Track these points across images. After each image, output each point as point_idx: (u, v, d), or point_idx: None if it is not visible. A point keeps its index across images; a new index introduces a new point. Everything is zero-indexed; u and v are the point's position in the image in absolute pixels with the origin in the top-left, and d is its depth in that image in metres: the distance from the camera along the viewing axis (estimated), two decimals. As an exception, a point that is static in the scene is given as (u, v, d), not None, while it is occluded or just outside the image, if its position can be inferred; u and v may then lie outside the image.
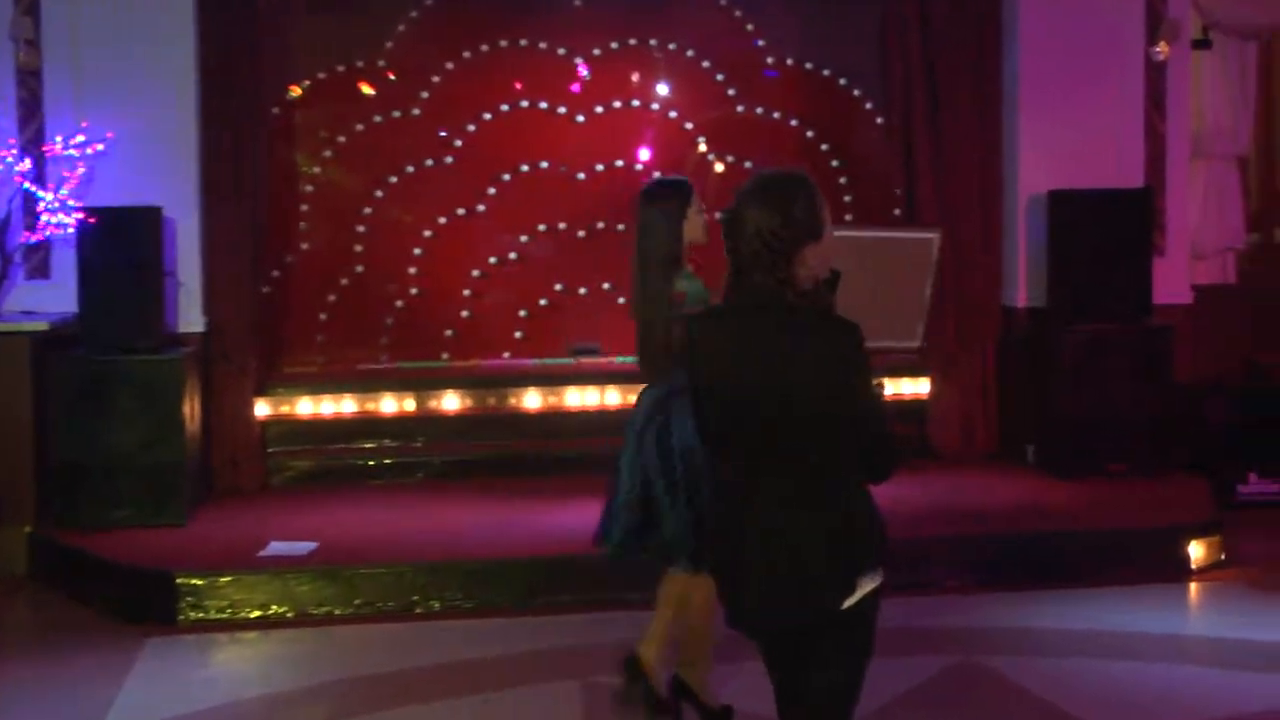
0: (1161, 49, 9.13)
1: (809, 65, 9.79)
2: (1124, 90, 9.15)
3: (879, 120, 9.48)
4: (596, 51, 9.74)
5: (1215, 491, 8.27)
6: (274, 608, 6.81)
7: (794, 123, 9.78)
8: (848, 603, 3.52)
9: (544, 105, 9.70)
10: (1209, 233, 9.81)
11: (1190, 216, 9.57)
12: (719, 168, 9.84)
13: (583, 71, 9.75)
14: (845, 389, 3.51)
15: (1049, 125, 9.02)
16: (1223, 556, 7.56)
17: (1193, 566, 7.40)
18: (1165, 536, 7.45)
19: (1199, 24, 9.54)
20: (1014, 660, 6.11)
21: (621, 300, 9.78)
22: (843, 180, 9.66)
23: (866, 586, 3.56)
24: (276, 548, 7.16)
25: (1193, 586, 7.28)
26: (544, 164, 9.71)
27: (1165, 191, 9.29)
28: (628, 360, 9.50)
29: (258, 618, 6.77)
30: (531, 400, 8.98)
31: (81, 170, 8.11)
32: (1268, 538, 8.08)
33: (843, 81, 9.75)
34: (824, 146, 9.75)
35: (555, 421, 8.90)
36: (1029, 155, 9.04)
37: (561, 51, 9.71)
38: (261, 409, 8.69)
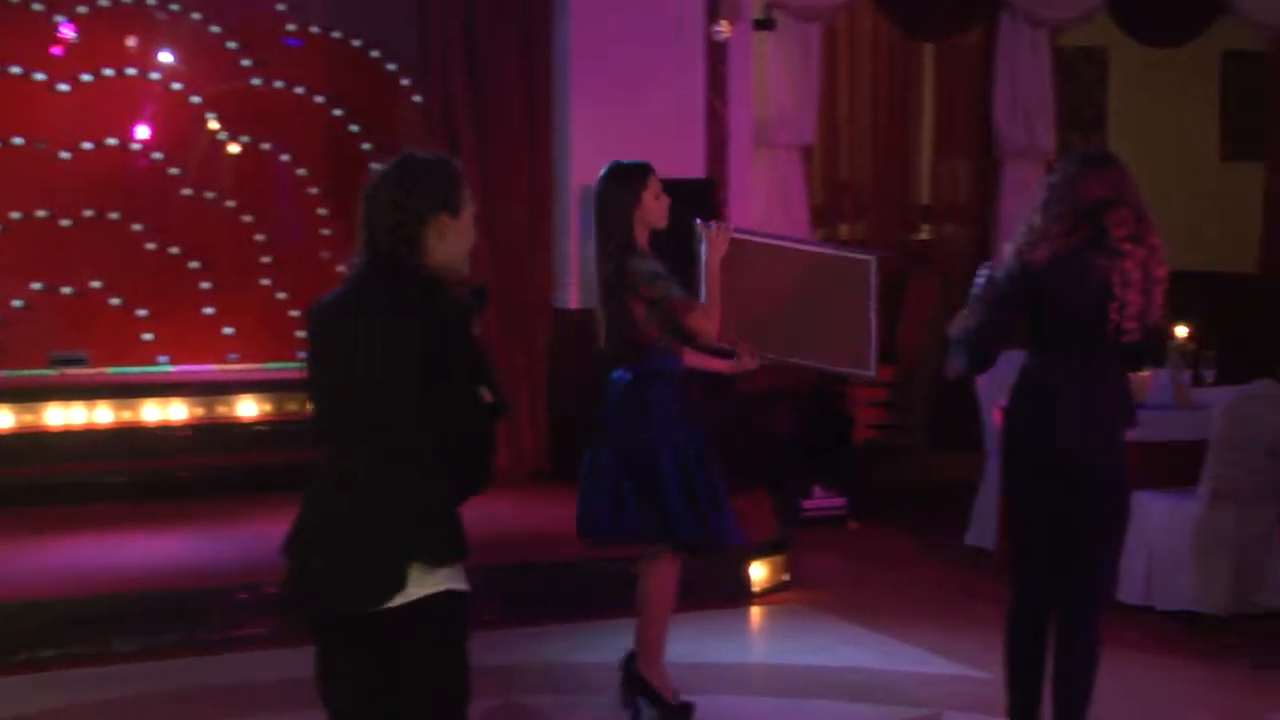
0: (723, 28, 9.51)
1: (337, 34, 9.77)
2: (683, 72, 9.50)
3: (417, 99, 9.55)
4: (83, 9, 9.42)
5: (779, 507, 8.73)
6: None
7: (319, 99, 9.74)
8: (399, 600, 3.60)
9: (17, 70, 9.30)
10: (773, 228, 10.33)
11: (754, 210, 10.07)
12: (233, 149, 9.70)
13: (66, 32, 9.41)
14: (437, 374, 3.60)
15: (603, 108, 9.29)
16: (786, 577, 8.01)
17: (754, 589, 7.81)
18: (728, 557, 7.79)
19: (761, 2, 10.05)
20: (561, 700, 6.28)
21: (115, 301, 9.48)
22: (375, 167, 9.66)
23: (427, 587, 3.63)
24: None
25: (755, 610, 7.69)
26: (17, 140, 9.32)
27: (728, 183, 9.73)
28: (124, 371, 9.21)
29: None
30: (2, 419, 8.59)
31: None
32: (831, 555, 8.62)
33: (375, 54, 9.78)
34: (353, 127, 9.75)
35: (32, 444, 8.53)
36: (582, 142, 9.29)
37: (38, 7, 9.34)
38: None
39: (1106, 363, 5.03)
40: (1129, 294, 4.95)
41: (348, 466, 3.67)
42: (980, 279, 5.14)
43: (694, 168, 9.53)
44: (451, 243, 3.75)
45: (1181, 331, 7.83)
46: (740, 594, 7.75)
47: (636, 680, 5.94)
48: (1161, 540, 7.34)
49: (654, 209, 5.75)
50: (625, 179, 5.90)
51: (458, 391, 3.64)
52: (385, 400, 3.63)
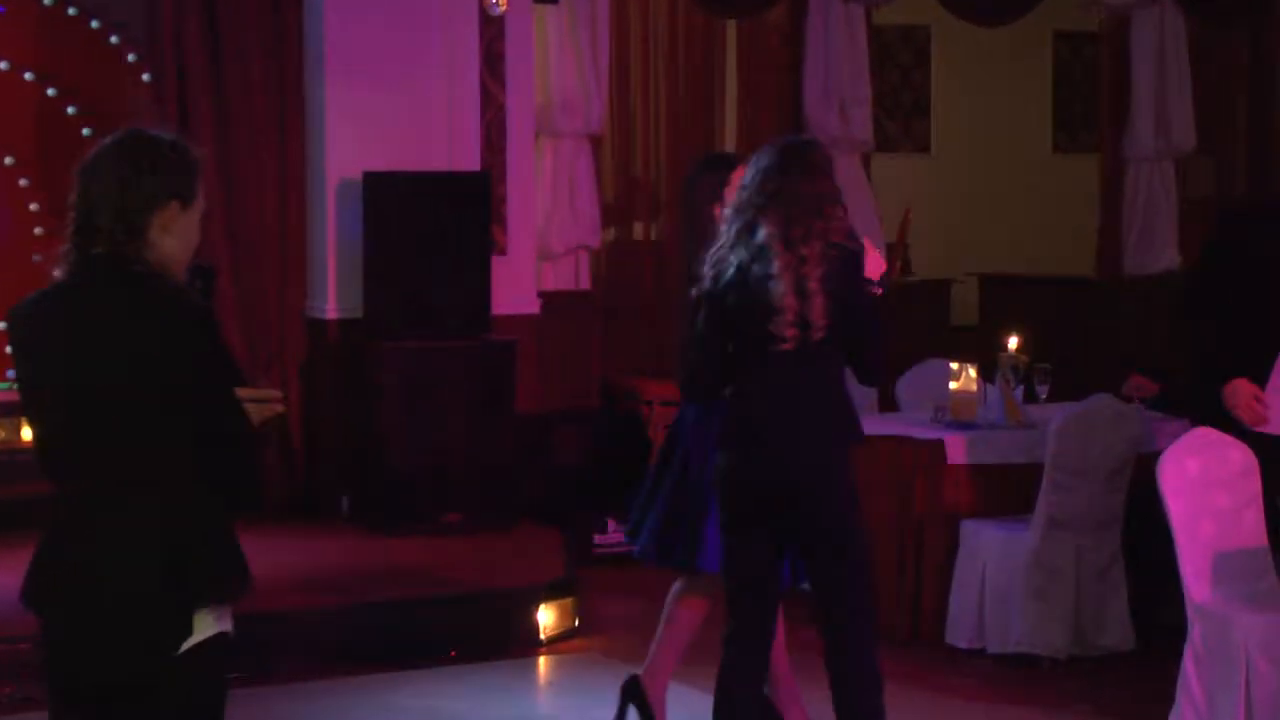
0: (498, 1, 9.54)
1: (49, 0, 9.56)
2: (455, 52, 9.50)
3: (146, 78, 9.38)
4: None
5: (568, 544, 8.75)
6: None
7: (28, 76, 9.50)
8: (185, 645, 3.57)
9: None
10: (559, 228, 10.38)
11: (537, 208, 10.10)
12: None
13: None
14: (184, 380, 3.56)
15: (364, 92, 9.25)
16: (576, 622, 8.03)
17: (542, 636, 7.81)
18: (511, 601, 7.83)
19: (540, -29, 10.10)
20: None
21: None
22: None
23: (201, 630, 3.61)
24: None
25: (542, 661, 7.69)
26: None
27: (506, 176, 9.74)
28: None
29: None
30: None
31: None
32: (627, 596, 8.65)
33: (97, 24, 9.58)
34: (70, 109, 9.52)
35: None
36: (339, 129, 9.24)
37: None
38: None
39: (814, 378, 5.18)
40: (786, 299, 5.12)
41: (96, 497, 3.61)
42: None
43: (468, 159, 9.53)
44: (176, 238, 3.69)
45: (1012, 342, 8.01)
46: (526, 642, 7.75)
47: (635, 687, 6.17)
48: (994, 575, 7.49)
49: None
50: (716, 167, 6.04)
51: (212, 397, 3.60)
52: (128, 415, 3.58)
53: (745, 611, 5.36)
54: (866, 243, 5.41)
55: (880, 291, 5.40)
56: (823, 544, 5.24)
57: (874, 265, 5.41)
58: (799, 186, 5.17)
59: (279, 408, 3.76)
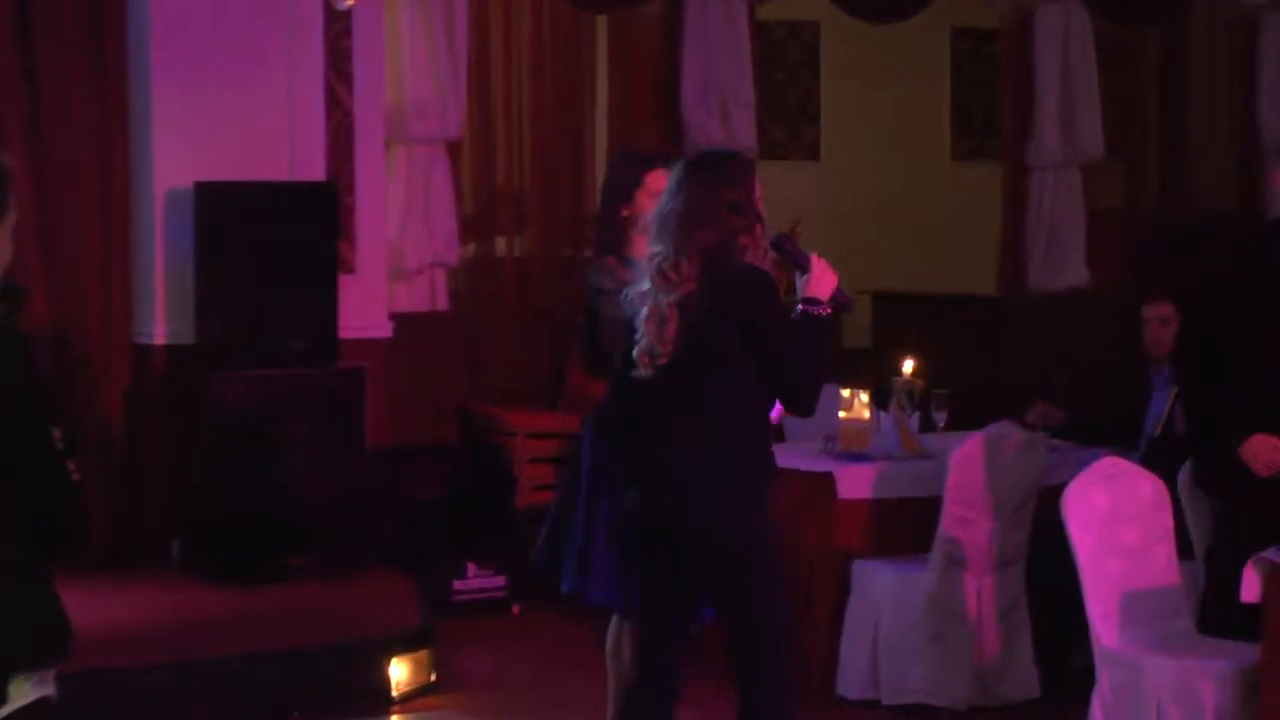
0: (344, -6, 9.53)
1: None
2: (297, 49, 9.44)
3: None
4: None
5: (425, 590, 8.71)
6: None
7: None
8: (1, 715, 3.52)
9: None
10: (413, 243, 10.34)
11: (388, 221, 10.06)
12: None
13: None
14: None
15: (195, 93, 9.18)
16: (433, 677, 7.99)
17: (394, 693, 7.76)
18: (360, 655, 7.78)
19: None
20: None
21: None
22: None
23: (20, 697, 3.57)
24: None
25: (395, 719, 7.68)
26: None
27: (355, 187, 9.69)
28: None
29: None
30: None
31: None
32: (488, 648, 8.63)
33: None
34: None
35: None
36: (167, 135, 9.17)
37: None
38: None
39: (690, 408, 5.22)
40: (646, 325, 5.26)
41: None
42: None
43: (312, 168, 9.48)
44: None
45: (907, 366, 8.08)
46: (376, 700, 7.70)
47: None
48: (888, 620, 7.52)
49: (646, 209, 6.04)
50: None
51: (22, 433, 3.55)
52: None
53: (646, 659, 5.36)
54: (815, 259, 5.45)
55: (828, 312, 5.41)
56: (714, 585, 5.27)
57: (823, 283, 5.43)
58: (686, 203, 5.23)
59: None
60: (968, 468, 7.38)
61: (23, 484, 3.56)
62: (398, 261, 10.22)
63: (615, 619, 6.32)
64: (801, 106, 13.42)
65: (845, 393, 7.94)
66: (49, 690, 3.65)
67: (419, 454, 9.76)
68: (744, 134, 11.37)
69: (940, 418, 8.13)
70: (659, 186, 5.92)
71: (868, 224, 13.02)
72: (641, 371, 5.23)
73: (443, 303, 10.58)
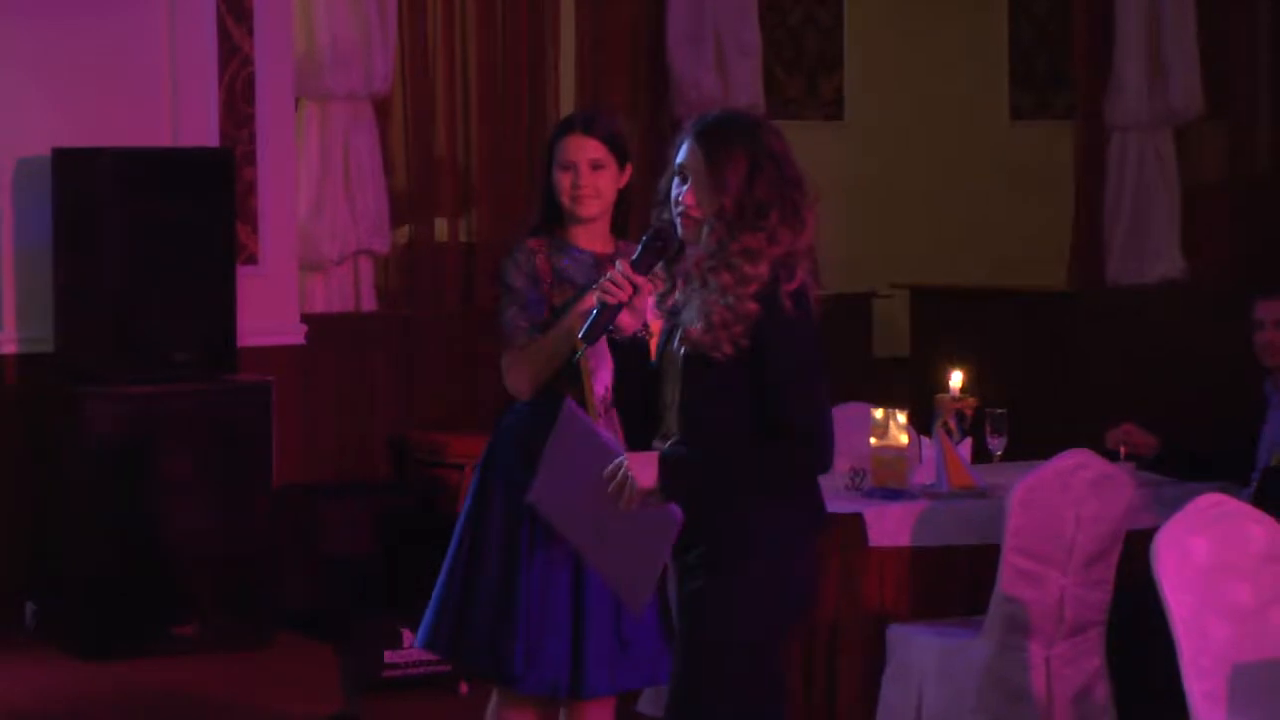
0: (245, -88, 9.55)
1: None
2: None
3: None
4: None
5: (348, 665, 8.69)
6: None
7: None
8: None
9: None
10: (330, 226, 10.30)
11: (300, 198, 10.08)
12: None
13: None
14: None
15: (48, 39, 9.19)
16: (363, 772, 8.00)
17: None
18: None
19: None
20: None
21: None
22: None
23: None
24: None
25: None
26: None
27: (257, 155, 9.72)
28: None
29: None
30: None
31: None
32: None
33: None
34: None
35: None
36: (11, 92, 9.18)
37: None
38: None
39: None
40: None
41: None
42: None
43: (201, 132, 9.53)
44: None
45: (955, 379, 8.03)
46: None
47: None
48: (933, 699, 7.48)
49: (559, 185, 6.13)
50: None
51: None
52: None
53: None
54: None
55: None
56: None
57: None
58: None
59: None
60: (1032, 508, 7.33)
61: None
62: (312, 249, 10.21)
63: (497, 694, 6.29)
64: (820, 53, 13.39)
65: (877, 414, 7.89)
66: None
67: (340, 492, 9.73)
68: (746, 88, 11.35)
69: (997, 444, 8.08)
70: (574, 158, 6.03)
71: (902, 200, 13.01)
72: None
73: (369, 301, 10.58)
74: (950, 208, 13.10)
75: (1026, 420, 8.68)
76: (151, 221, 9.03)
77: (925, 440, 8.00)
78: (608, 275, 5.15)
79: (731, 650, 5.23)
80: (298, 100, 10.08)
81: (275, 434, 9.23)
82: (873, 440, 7.86)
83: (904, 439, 7.86)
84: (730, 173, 5.04)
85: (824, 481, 8.09)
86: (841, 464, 8.00)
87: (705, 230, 5.07)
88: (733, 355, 5.02)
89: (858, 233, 12.40)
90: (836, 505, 7.64)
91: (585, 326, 5.17)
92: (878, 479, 7.81)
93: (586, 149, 6.06)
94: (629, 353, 5.30)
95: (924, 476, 7.88)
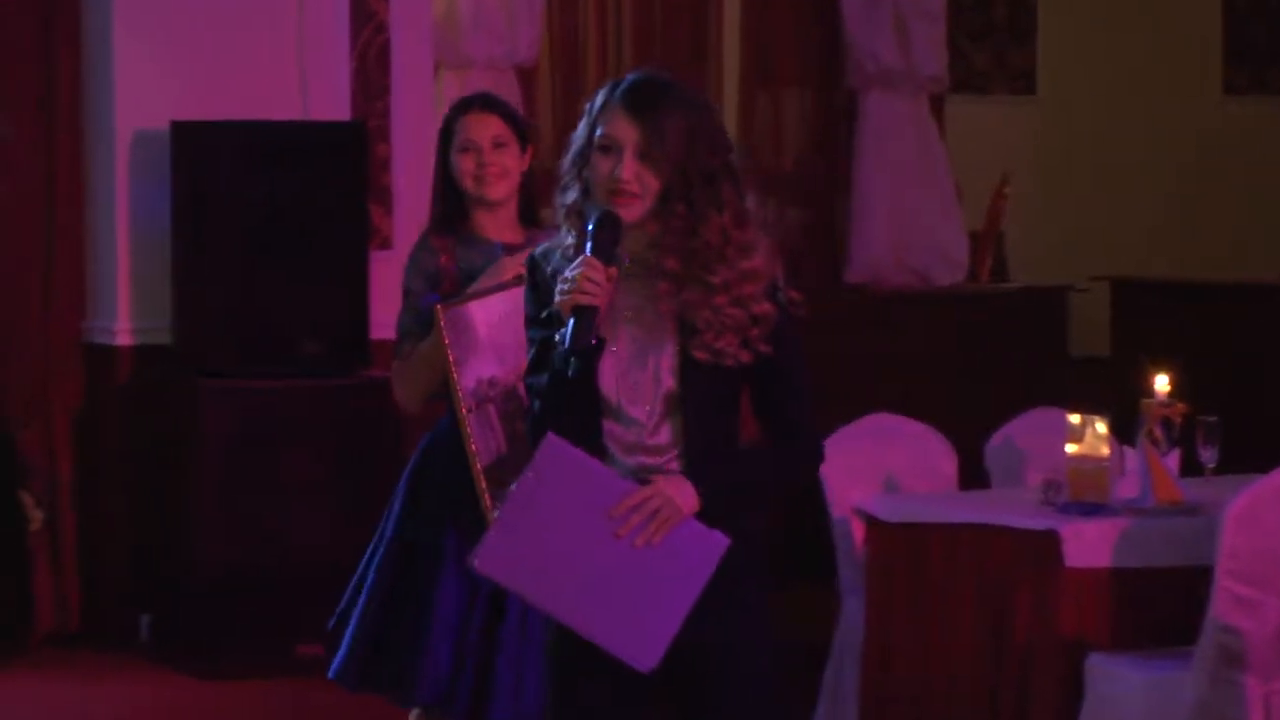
0: None
1: None
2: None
3: None
4: None
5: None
6: None
7: None
8: None
9: None
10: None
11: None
12: None
13: None
14: None
15: (170, 12, 9.29)
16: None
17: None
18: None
19: None
20: None
21: None
22: None
23: None
24: None
25: None
26: None
27: (391, 130, 9.79)
28: None
29: None
30: None
31: None
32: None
33: None
34: None
35: None
36: (133, 57, 9.25)
37: None
38: None
39: None
40: None
41: None
42: None
43: (332, 105, 9.59)
44: None
45: (1162, 383, 8.01)
46: None
47: None
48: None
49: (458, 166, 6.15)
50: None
51: None
52: None
53: None
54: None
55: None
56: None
57: None
58: None
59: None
60: (1250, 527, 7.29)
61: None
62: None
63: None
64: (1011, 23, 13.35)
65: (1074, 419, 7.85)
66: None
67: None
68: (929, 60, 11.35)
69: (1209, 455, 8.05)
70: (475, 137, 6.03)
71: (1100, 184, 12.95)
72: None
73: (515, 289, 10.60)
74: (1154, 192, 13.02)
75: (1242, 429, 8.63)
76: (277, 201, 9.10)
77: (1128, 450, 7.96)
78: (573, 273, 4.90)
79: (772, 654, 5.27)
80: (436, 69, 10.13)
81: (410, 435, 9.27)
82: (1069, 450, 7.83)
83: (1104, 449, 7.81)
84: (671, 139, 4.92)
85: (1014, 495, 8.13)
86: (1034, 476, 8.01)
87: (650, 209, 4.94)
88: (748, 362, 4.96)
89: (1052, 219, 12.37)
90: (1029, 521, 7.65)
91: (568, 338, 4.96)
92: (1075, 492, 7.77)
93: (489, 126, 6.05)
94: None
95: (1127, 490, 7.83)
